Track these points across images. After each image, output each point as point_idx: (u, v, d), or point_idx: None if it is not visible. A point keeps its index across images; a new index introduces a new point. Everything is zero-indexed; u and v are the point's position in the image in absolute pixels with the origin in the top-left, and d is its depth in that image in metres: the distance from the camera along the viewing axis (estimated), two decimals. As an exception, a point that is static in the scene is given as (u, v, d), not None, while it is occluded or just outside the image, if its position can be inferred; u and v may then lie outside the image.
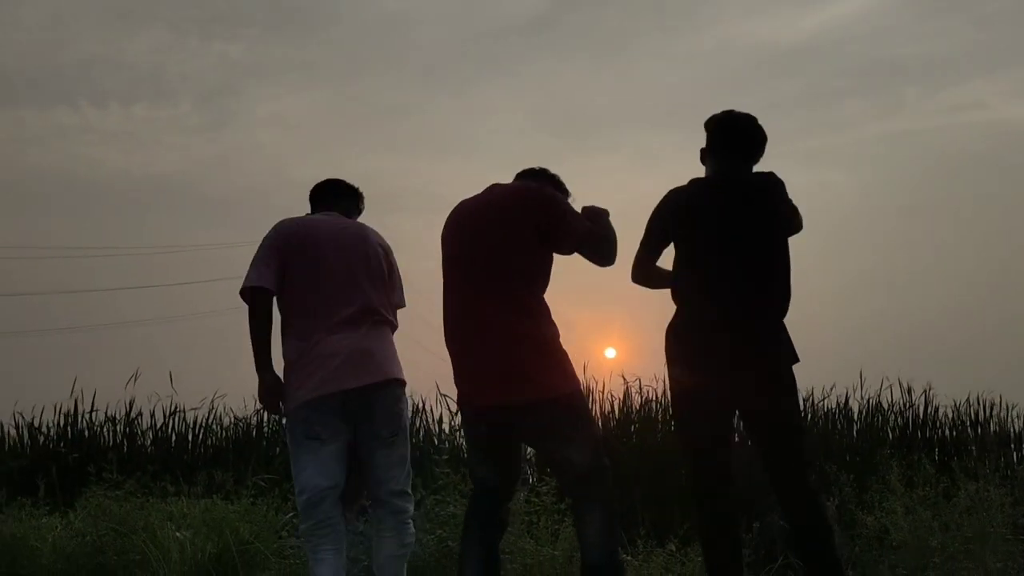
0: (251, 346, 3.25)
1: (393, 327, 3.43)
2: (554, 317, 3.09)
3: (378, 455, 3.26)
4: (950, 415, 8.33)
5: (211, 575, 4.38)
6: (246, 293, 3.27)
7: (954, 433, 8.24)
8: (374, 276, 3.36)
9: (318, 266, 3.30)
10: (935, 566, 4.08)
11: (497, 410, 3.00)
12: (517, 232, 3.03)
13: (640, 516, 5.75)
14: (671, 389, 3.30)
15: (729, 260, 3.18)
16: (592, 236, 3.11)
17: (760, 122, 3.35)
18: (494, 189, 3.20)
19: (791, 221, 3.30)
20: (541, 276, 3.10)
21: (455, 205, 3.24)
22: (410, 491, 3.37)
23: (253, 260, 3.30)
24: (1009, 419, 8.33)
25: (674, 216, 3.31)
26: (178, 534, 4.66)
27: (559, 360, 3.01)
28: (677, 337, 3.25)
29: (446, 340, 3.16)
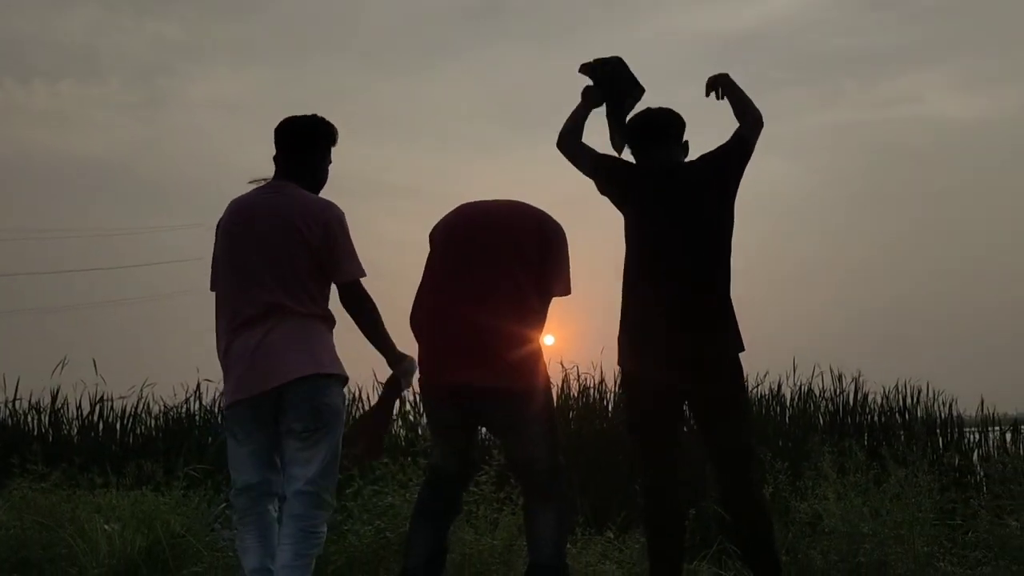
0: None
1: (313, 315, 3.12)
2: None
3: (289, 450, 3.08)
4: (879, 401, 8.53)
5: (141, 569, 4.27)
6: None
7: (883, 419, 8.44)
8: (286, 265, 3.09)
9: (227, 257, 3.16)
10: (866, 551, 4.17)
11: (467, 392, 3.01)
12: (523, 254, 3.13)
13: (578, 504, 5.77)
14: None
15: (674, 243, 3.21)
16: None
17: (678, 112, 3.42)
18: (512, 204, 3.26)
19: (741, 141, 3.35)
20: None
21: (466, 204, 3.28)
22: (327, 498, 3.08)
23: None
24: (936, 405, 8.56)
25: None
26: (106, 527, 4.54)
27: (538, 357, 3.10)
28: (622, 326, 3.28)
29: (419, 320, 3.18)
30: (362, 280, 3.19)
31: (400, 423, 7.96)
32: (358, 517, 4.37)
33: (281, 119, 3.30)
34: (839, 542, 4.23)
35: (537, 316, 3.15)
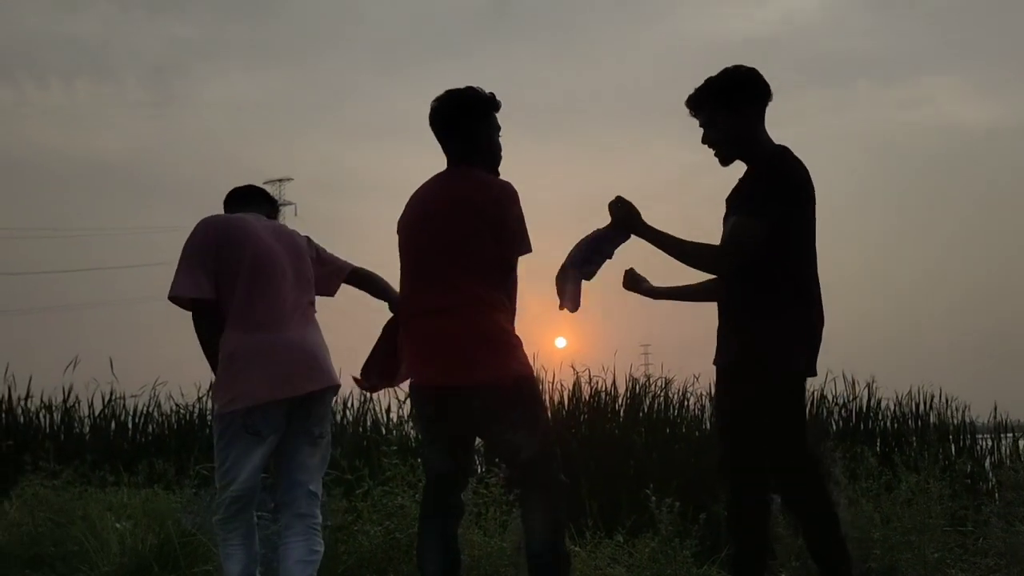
0: (203, 351, 3.22)
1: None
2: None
3: (303, 453, 3.22)
4: (892, 408, 8.50)
5: (152, 567, 4.28)
6: (182, 302, 3.20)
7: (896, 425, 8.41)
8: (307, 273, 3.38)
9: (258, 262, 3.23)
10: (876, 557, 4.15)
11: (444, 391, 2.98)
12: (479, 227, 3.00)
13: (588, 507, 5.76)
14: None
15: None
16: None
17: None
18: (458, 177, 3.13)
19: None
20: (499, 269, 3.05)
21: (415, 191, 3.19)
22: (319, 492, 3.30)
23: (182, 265, 3.20)
24: (949, 412, 8.51)
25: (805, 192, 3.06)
26: (118, 525, 4.56)
27: (510, 346, 3.00)
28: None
29: (401, 320, 3.18)
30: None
31: (411, 423, 7.97)
32: (368, 518, 4.38)
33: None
34: (849, 548, 4.20)
35: (501, 298, 3.03)
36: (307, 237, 3.52)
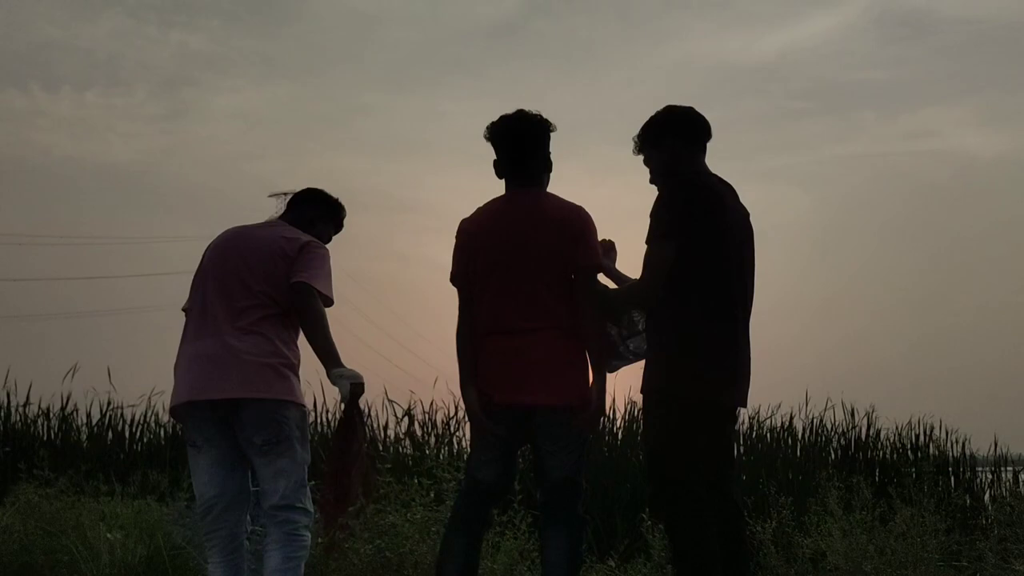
0: None
1: (281, 326, 3.16)
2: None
3: (256, 464, 3.12)
4: (891, 438, 8.45)
5: (141, 579, 4.27)
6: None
7: (894, 456, 8.36)
8: (260, 283, 3.14)
9: (197, 274, 3.28)
10: (868, 590, 4.12)
11: (527, 410, 3.04)
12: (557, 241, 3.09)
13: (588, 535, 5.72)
14: None
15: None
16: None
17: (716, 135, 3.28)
18: (540, 198, 3.17)
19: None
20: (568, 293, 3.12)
21: (484, 210, 3.20)
22: (301, 504, 3.12)
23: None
24: (948, 444, 8.46)
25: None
26: (109, 535, 4.55)
27: (584, 369, 3.11)
28: None
29: (465, 337, 3.15)
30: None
31: (407, 442, 7.95)
32: (359, 535, 4.37)
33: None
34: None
35: (575, 319, 3.09)
36: (305, 243, 3.23)
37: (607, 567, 4.57)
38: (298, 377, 3.19)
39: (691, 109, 3.26)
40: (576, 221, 3.12)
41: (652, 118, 3.26)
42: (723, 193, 3.15)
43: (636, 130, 3.29)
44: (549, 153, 3.24)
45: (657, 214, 3.08)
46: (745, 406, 3.23)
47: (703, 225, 3.05)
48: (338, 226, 3.52)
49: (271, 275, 3.14)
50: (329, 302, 3.19)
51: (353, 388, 3.09)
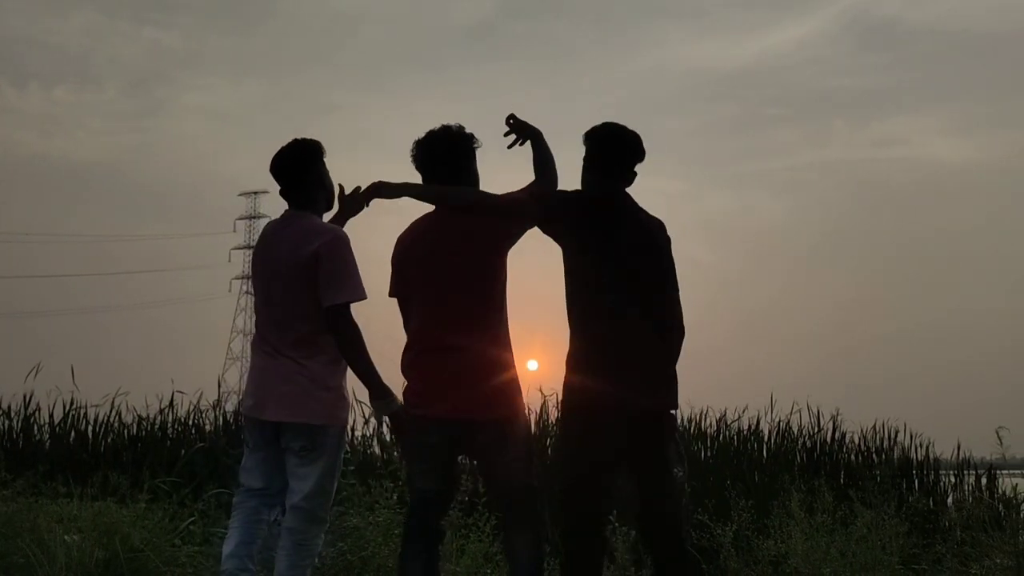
0: None
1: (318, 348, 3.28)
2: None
3: (289, 464, 3.30)
4: (857, 441, 8.50)
5: (97, 582, 4.20)
6: None
7: (859, 459, 8.42)
8: (292, 292, 3.26)
9: (253, 279, 3.48)
10: (828, 593, 4.14)
11: (457, 423, 3.05)
12: (483, 254, 3.13)
13: (550, 534, 5.71)
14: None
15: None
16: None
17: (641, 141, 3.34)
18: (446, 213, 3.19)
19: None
20: (502, 298, 3.17)
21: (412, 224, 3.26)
22: (319, 513, 3.29)
23: None
24: (912, 447, 8.53)
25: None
26: (66, 538, 4.47)
27: (517, 381, 3.16)
28: None
29: (411, 352, 3.18)
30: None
31: (375, 443, 7.90)
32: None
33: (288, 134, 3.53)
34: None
35: (504, 329, 3.15)
36: (318, 249, 3.21)
37: (571, 570, 4.55)
38: (340, 392, 3.34)
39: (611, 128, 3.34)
40: (503, 237, 3.17)
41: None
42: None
43: None
44: (472, 167, 3.26)
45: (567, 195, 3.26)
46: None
47: (580, 227, 3.19)
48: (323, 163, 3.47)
49: (300, 293, 3.24)
50: (362, 296, 3.23)
51: (387, 418, 3.36)
